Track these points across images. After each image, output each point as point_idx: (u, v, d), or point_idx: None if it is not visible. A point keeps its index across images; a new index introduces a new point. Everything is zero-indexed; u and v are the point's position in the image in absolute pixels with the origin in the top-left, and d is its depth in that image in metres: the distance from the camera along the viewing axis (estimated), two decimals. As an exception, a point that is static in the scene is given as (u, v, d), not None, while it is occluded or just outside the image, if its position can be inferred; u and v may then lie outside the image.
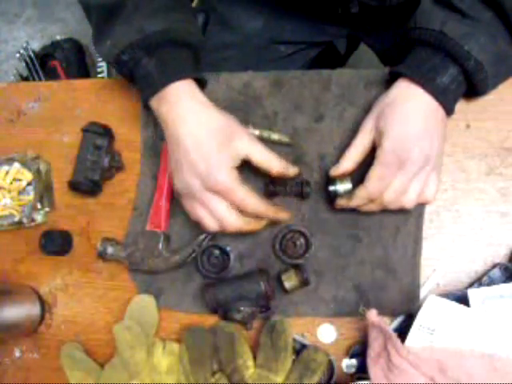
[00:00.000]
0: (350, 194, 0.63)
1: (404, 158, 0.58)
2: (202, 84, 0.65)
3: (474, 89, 0.62)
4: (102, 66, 1.60)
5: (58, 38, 1.65)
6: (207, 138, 0.59)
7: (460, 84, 0.60)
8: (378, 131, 0.61)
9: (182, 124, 0.60)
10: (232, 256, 0.68)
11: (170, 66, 0.62)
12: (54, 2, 1.78)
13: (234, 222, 0.60)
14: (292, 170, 0.64)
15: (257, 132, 0.70)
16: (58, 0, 1.78)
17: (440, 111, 0.60)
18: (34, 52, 1.58)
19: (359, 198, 0.61)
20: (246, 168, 0.64)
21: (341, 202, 0.64)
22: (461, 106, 0.69)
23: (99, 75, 1.59)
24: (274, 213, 0.63)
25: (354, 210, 0.66)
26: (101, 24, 0.65)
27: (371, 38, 0.90)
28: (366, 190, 0.60)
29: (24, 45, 1.58)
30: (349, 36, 0.91)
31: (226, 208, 0.60)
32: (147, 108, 0.64)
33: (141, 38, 0.61)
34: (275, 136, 0.70)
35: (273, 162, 0.62)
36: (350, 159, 0.63)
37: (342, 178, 0.64)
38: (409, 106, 0.59)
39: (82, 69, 1.61)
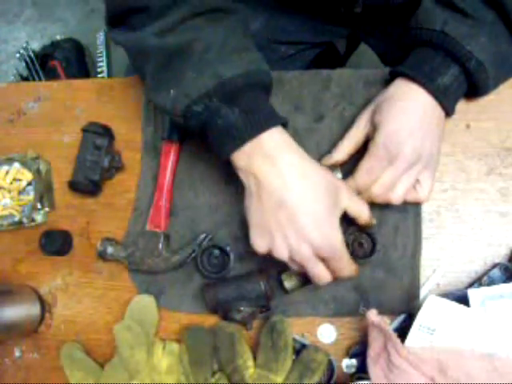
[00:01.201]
0: None
1: (394, 153, 0.58)
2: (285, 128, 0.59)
3: (474, 89, 0.62)
4: (102, 65, 1.60)
5: (58, 37, 1.65)
6: (315, 198, 0.55)
7: (461, 84, 0.60)
8: (372, 125, 0.61)
9: (285, 183, 0.54)
10: (232, 256, 0.68)
11: (257, 114, 0.55)
12: (54, 2, 1.78)
13: (328, 280, 0.58)
14: (374, 221, 0.63)
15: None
16: (57, 0, 1.78)
17: (438, 111, 0.60)
18: (34, 52, 1.58)
19: None
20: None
21: None
22: (461, 106, 0.69)
23: (99, 75, 1.59)
24: (354, 274, 0.60)
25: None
26: (161, 71, 0.56)
27: (372, 38, 0.90)
28: (354, 182, 0.61)
29: (24, 45, 1.59)
30: (349, 36, 0.91)
31: (326, 272, 0.57)
32: (226, 163, 0.57)
33: (218, 84, 0.53)
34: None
35: (365, 213, 0.61)
36: (342, 151, 0.63)
37: (332, 168, 0.65)
38: (406, 103, 0.60)
39: (82, 69, 1.62)
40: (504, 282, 0.63)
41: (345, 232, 0.66)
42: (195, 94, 0.54)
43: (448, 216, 0.67)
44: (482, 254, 0.66)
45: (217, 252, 0.69)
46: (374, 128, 0.61)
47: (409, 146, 0.58)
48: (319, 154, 0.69)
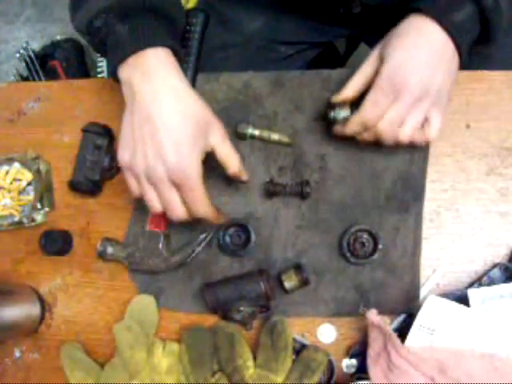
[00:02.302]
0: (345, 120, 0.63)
1: (400, 85, 0.57)
2: (179, 60, 0.60)
3: (486, 32, 0.60)
4: (102, 65, 1.60)
5: (58, 38, 1.65)
6: (182, 124, 0.55)
7: (475, 24, 0.59)
8: (380, 59, 0.60)
9: (156, 100, 0.55)
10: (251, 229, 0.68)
11: (145, 32, 0.57)
12: (54, 2, 1.78)
13: (181, 214, 0.58)
14: (245, 176, 0.62)
15: (257, 132, 0.70)
16: (57, 0, 1.78)
17: (451, 48, 0.58)
18: (34, 52, 1.58)
19: (353, 124, 0.61)
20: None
21: (337, 129, 0.64)
22: (461, 106, 0.69)
23: (99, 75, 1.59)
24: (215, 219, 0.61)
25: (353, 210, 0.66)
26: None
27: (372, 38, 0.90)
28: (360, 116, 0.60)
29: (24, 45, 1.58)
30: (348, 36, 0.91)
31: (178, 201, 0.57)
32: (115, 80, 0.59)
33: (115, 2, 0.58)
34: (275, 136, 0.70)
35: (233, 161, 0.60)
36: (352, 87, 0.62)
37: (341, 105, 0.64)
38: (417, 38, 0.58)
39: (81, 69, 1.62)
40: (504, 281, 0.63)
41: (346, 231, 0.66)
42: (95, 9, 0.58)
43: (448, 216, 0.67)
44: (481, 254, 0.66)
45: (237, 229, 0.69)
46: (381, 61, 0.59)
47: (415, 78, 0.56)
48: (319, 153, 0.69)
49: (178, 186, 0.56)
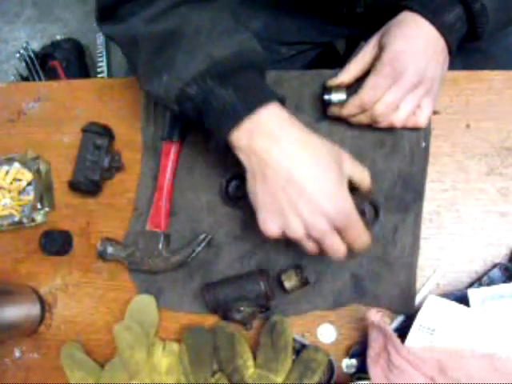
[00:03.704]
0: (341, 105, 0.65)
1: (399, 71, 0.59)
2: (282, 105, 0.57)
3: (472, 33, 0.63)
4: (102, 65, 1.60)
5: (58, 37, 1.65)
6: (323, 171, 0.53)
7: (463, 25, 0.62)
8: (379, 47, 0.62)
9: (291, 158, 0.52)
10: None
11: (252, 92, 0.54)
12: (54, 2, 1.78)
13: (344, 253, 0.56)
14: (372, 187, 0.62)
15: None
16: (57, 0, 1.78)
17: (442, 44, 0.61)
18: (34, 52, 1.58)
19: (351, 106, 0.63)
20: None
21: (333, 109, 0.66)
22: (461, 106, 0.69)
23: (99, 75, 1.59)
24: (368, 243, 0.57)
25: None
26: (153, 58, 0.56)
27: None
28: (359, 98, 0.61)
29: (24, 45, 1.59)
30: (348, 36, 0.91)
31: (341, 243, 0.55)
32: (222, 149, 0.56)
33: (210, 64, 0.53)
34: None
35: (367, 178, 0.60)
36: (349, 72, 0.65)
37: (337, 88, 0.66)
38: (414, 30, 0.61)
39: (82, 69, 1.62)
40: (504, 282, 0.63)
41: None
42: (188, 76, 0.53)
43: (448, 216, 0.67)
44: (481, 254, 0.66)
45: (239, 181, 0.69)
46: (380, 49, 0.62)
47: (413, 66, 0.59)
48: (319, 153, 0.69)
49: (341, 230, 0.54)
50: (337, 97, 0.66)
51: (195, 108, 0.55)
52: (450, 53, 0.63)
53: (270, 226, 0.54)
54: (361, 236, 0.56)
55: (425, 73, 0.61)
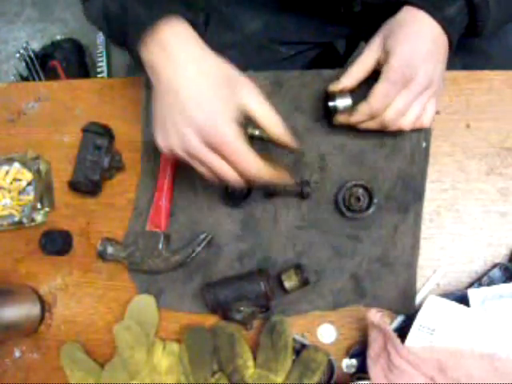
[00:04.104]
0: (349, 110, 0.63)
1: (410, 76, 0.58)
2: (198, 31, 0.58)
3: (472, 28, 0.63)
4: (102, 65, 1.60)
5: (58, 38, 1.65)
6: (208, 87, 0.53)
7: (463, 19, 0.61)
8: (384, 50, 0.61)
9: (180, 72, 0.53)
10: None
11: (158, 3, 0.55)
12: (54, 2, 1.78)
13: (234, 179, 0.55)
14: (290, 141, 0.58)
15: (257, 132, 0.70)
16: (57, 0, 1.78)
17: (443, 38, 0.60)
18: (34, 52, 1.58)
19: (361, 114, 0.62)
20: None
21: (340, 118, 0.64)
22: (461, 106, 0.69)
23: (99, 75, 1.59)
24: (277, 176, 0.58)
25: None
26: None
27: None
28: (369, 106, 0.60)
29: (24, 45, 1.59)
30: (348, 36, 0.91)
31: (226, 166, 0.55)
32: (138, 63, 0.57)
33: None
34: (265, 136, 0.70)
35: (272, 122, 0.57)
36: (351, 76, 0.62)
37: (341, 94, 0.64)
38: (418, 27, 0.60)
39: (82, 69, 1.62)
40: (504, 282, 0.63)
41: (341, 187, 0.67)
42: None
43: (448, 216, 0.67)
44: (481, 254, 0.66)
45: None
46: (386, 53, 0.60)
47: (423, 69, 0.59)
48: (319, 153, 0.69)
49: (218, 152, 0.54)
50: (342, 103, 0.64)
51: (116, 23, 0.58)
52: (450, 48, 0.62)
53: (158, 139, 0.56)
54: (244, 161, 0.54)
55: (433, 74, 0.60)
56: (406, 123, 0.62)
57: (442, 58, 0.61)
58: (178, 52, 0.54)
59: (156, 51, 0.54)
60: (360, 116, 0.62)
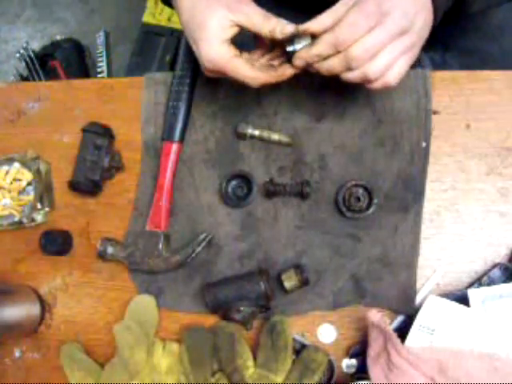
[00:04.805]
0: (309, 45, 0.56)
1: (385, 10, 0.51)
2: None
3: (460, 3, 0.59)
4: (102, 65, 1.60)
5: (58, 38, 1.65)
6: (192, 17, 0.58)
7: None
8: None
9: (179, 9, 0.60)
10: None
11: None
12: (54, 2, 1.78)
13: (253, 82, 0.59)
14: (288, 28, 0.56)
15: (257, 132, 0.70)
16: (57, 0, 1.78)
17: (429, 4, 0.54)
18: (34, 52, 1.58)
19: (323, 43, 0.53)
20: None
21: (301, 53, 0.56)
22: (461, 106, 0.69)
23: (99, 75, 1.59)
24: (280, 76, 0.59)
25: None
26: None
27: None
28: (334, 34, 0.52)
29: (24, 45, 1.59)
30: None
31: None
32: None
33: None
34: (275, 136, 0.70)
35: (261, 21, 0.57)
36: (321, 22, 0.54)
37: (301, 35, 0.56)
38: None
39: (81, 69, 1.62)
40: (504, 281, 0.63)
41: (341, 187, 0.67)
42: None
43: (448, 216, 0.67)
44: (481, 253, 0.66)
45: (239, 181, 0.70)
46: None
47: (402, 7, 0.51)
48: (319, 153, 0.69)
49: (221, 73, 0.59)
50: (301, 44, 0.56)
51: None
52: (435, 19, 0.56)
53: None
54: (245, 77, 0.58)
55: (413, 21, 0.52)
56: (373, 69, 0.53)
57: (425, 16, 0.54)
58: None
59: None
60: (322, 46, 0.53)
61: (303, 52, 0.56)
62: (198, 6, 0.58)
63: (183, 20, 0.60)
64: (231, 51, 0.58)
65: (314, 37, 0.55)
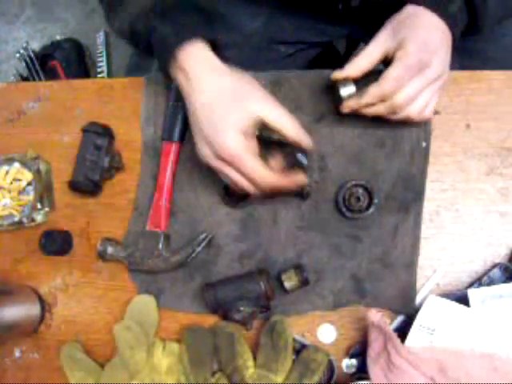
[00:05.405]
0: (356, 96, 0.62)
1: (426, 62, 0.58)
2: (219, 50, 0.62)
3: (472, 26, 0.63)
4: (102, 65, 1.60)
5: (58, 38, 1.65)
6: (216, 100, 0.58)
7: (464, 16, 0.62)
8: (397, 39, 0.60)
9: (195, 89, 0.59)
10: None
11: (184, 28, 0.60)
12: (54, 2, 1.78)
13: (249, 188, 0.59)
14: (307, 141, 0.60)
15: (256, 132, 0.70)
16: (57, 0, 1.78)
17: (449, 33, 0.61)
18: (34, 52, 1.58)
19: (371, 96, 0.60)
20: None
21: (349, 103, 0.63)
22: (461, 106, 0.69)
23: (99, 75, 1.59)
24: (289, 182, 0.60)
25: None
26: (112, 1, 0.64)
27: (371, 37, 0.90)
28: (380, 88, 0.59)
29: (24, 45, 1.59)
30: (349, 36, 0.91)
31: (239, 176, 0.58)
32: (167, 78, 0.63)
33: (153, 2, 0.60)
34: (275, 136, 0.70)
35: (287, 124, 0.59)
36: (357, 66, 0.61)
37: (344, 83, 0.63)
38: (428, 19, 0.60)
39: (81, 69, 1.62)
40: (504, 282, 0.63)
41: (341, 187, 0.67)
42: (135, 12, 0.61)
43: (448, 216, 0.67)
44: (481, 253, 0.66)
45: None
46: (399, 42, 0.60)
47: (439, 56, 0.59)
48: (319, 153, 0.69)
49: (229, 164, 0.58)
50: (346, 91, 0.63)
51: (144, 40, 0.62)
52: (452, 47, 0.62)
53: (196, 150, 0.61)
54: (253, 173, 0.57)
55: (446, 65, 0.60)
56: (414, 111, 0.61)
57: (449, 51, 0.61)
58: (194, 72, 0.59)
59: (180, 74, 0.60)
60: (370, 97, 0.61)
61: (352, 102, 0.62)
62: (227, 91, 0.59)
63: (202, 100, 0.59)
64: (250, 144, 0.58)
65: (355, 80, 0.62)
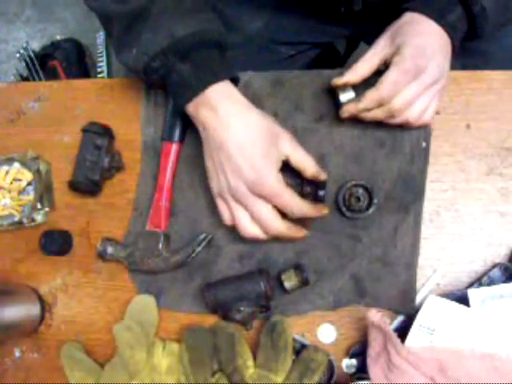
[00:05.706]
0: (355, 100, 0.64)
1: (422, 66, 0.59)
2: (235, 82, 0.64)
3: (471, 33, 0.64)
4: (102, 65, 1.60)
5: (58, 37, 1.65)
6: (252, 142, 0.59)
7: (463, 24, 0.63)
8: (394, 45, 0.62)
9: (225, 128, 0.59)
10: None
11: (206, 69, 0.61)
12: (54, 2, 1.78)
13: (277, 225, 0.61)
14: (323, 175, 0.63)
15: None
16: (57, 0, 1.78)
17: (448, 40, 0.62)
18: (34, 52, 1.58)
19: (368, 100, 0.62)
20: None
21: (348, 107, 0.64)
22: (461, 106, 0.69)
23: (99, 75, 1.59)
24: (317, 211, 0.62)
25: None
26: (124, 33, 0.63)
27: (372, 37, 0.90)
28: (378, 92, 0.61)
29: (24, 45, 1.59)
30: (348, 37, 0.91)
31: (270, 211, 0.60)
32: (180, 111, 0.64)
33: (172, 42, 0.59)
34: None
35: (308, 164, 0.62)
36: (356, 72, 0.63)
37: (343, 89, 0.65)
38: (427, 25, 0.61)
39: (81, 69, 1.62)
40: (504, 282, 0.63)
41: (341, 186, 0.67)
42: (152, 52, 0.60)
43: (448, 216, 0.67)
44: (481, 253, 0.66)
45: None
46: (396, 47, 0.61)
47: (435, 61, 0.60)
48: (319, 153, 0.69)
49: (264, 198, 0.60)
50: (345, 97, 0.65)
51: (160, 79, 0.62)
52: (453, 53, 0.63)
53: (211, 184, 0.63)
54: (289, 205, 0.60)
55: (443, 69, 0.61)
56: (412, 115, 0.62)
57: (448, 57, 0.62)
58: (223, 111, 0.60)
59: (204, 110, 0.60)
60: (368, 102, 0.62)
61: (351, 107, 0.64)
62: (261, 129, 0.60)
63: (237, 137, 0.59)
64: (283, 180, 0.61)
65: (354, 86, 0.64)
